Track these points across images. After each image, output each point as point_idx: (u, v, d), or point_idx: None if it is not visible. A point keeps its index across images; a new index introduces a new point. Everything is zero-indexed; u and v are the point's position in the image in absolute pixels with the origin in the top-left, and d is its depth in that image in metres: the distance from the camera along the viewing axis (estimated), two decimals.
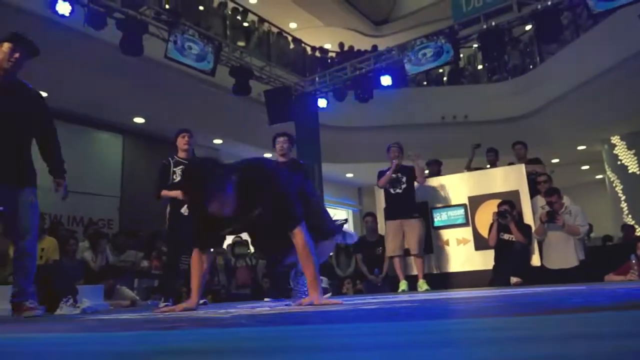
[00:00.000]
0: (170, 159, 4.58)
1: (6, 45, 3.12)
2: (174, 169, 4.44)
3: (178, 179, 4.26)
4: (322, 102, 9.10)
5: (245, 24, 9.93)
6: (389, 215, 5.82)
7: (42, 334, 1.65)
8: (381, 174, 5.91)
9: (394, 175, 5.79)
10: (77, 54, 6.75)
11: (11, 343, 1.37)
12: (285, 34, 10.87)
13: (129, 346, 1.11)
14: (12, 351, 1.12)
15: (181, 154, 4.64)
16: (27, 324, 2.46)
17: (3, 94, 3.14)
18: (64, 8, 5.61)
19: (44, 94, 3.49)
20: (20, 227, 3.20)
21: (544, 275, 5.28)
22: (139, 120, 8.86)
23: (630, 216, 10.90)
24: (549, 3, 6.76)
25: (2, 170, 3.14)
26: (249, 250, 8.39)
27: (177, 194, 3.93)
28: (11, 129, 3.18)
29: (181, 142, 4.67)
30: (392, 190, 5.78)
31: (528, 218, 5.62)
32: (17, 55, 3.14)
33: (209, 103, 8.74)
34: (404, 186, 5.74)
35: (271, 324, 1.58)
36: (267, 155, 12.00)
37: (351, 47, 11.84)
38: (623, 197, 11.28)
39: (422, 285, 5.51)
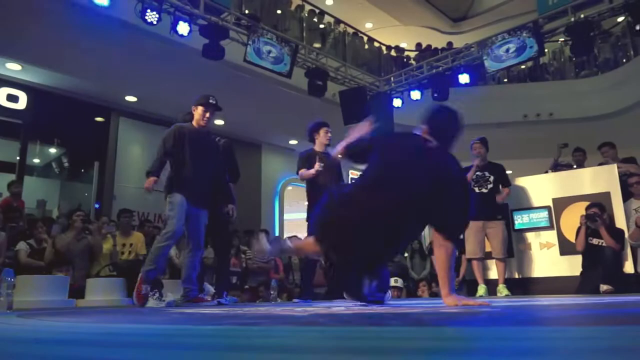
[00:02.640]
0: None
1: (200, 109, 4.21)
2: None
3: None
4: (397, 102, 9.03)
5: (321, 26, 10.04)
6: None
7: (134, 325, 1.77)
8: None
9: (479, 173, 5.54)
10: (162, 59, 7.14)
11: (108, 331, 1.49)
12: (360, 34, 10.87)
13: (212, 339, 1.17)
14: (109, 340, 1.21)
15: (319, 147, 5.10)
16: (118, 315, 2.64)
17: (196, 136, 4.21)
18: (151, 16, 5.98)
19: (134, 99, 3.92)
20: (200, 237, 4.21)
21: (638, 283, 4.90)
22: (218, 122, 9.23)
23: None
24: None
25: (194, 192, 4.09)
26: None
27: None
28: (203, 161, 4.22)
29: (324, 137, 5.15)
30: (476, 189, 5.46)
31: (620, 222, 5.24)
32: (207, 115, 4.24)
33: (285, 104, 8.92)
34: (490, 186, 5.45)
35: (348, 323, 1.60)
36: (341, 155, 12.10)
37: (428, 46, 11.62)
38: None
39: (502, 290, 5.30)
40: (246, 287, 6.72)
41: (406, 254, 8.78)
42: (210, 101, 4.24)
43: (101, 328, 1.64)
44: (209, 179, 4.21)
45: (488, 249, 5.55)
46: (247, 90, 8.30)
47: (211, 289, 4.74)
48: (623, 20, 8.98)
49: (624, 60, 10.34)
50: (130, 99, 8.43)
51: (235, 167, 4.67)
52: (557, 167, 6.37)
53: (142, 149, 8.75)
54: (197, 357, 0.82)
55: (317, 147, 5.16)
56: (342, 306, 2.89)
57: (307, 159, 5.01)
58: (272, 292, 5.45)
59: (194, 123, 4.26)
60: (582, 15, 6.87)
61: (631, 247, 5.12)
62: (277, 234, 10.17)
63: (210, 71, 7.21)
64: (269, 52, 7.14)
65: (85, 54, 6.77)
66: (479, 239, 5.43)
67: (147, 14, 5.94)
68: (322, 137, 5.16)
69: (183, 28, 6.25)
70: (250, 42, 6.91)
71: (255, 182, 10.50)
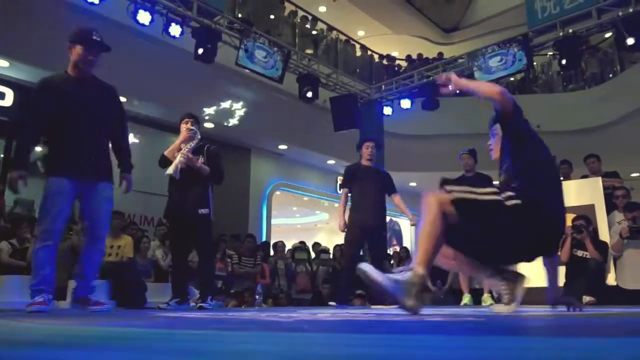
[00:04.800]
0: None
1: (78, 48, 3.20)
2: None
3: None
4: (387, 110, 9.08)
5: (314, 32, 10.08)
6: None
7: (115, 328, 1.75)
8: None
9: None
10: (153, 60, 7.12)
11: (83, 335, 1.47)
12: (352, 42, 10.93)
13: (194, 344, 1.16)
14: (86, 342, 1.20)
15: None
16: (99, 318, 2.61)
17: (80, 88, 3.25)
18: (144, 17, 5.97)
19: (123, 99, 3.69)
20: (101, 222, 3.31)
21: (619, 295, 4.96)
22: (208, 125, 9.20)
23: None
24: (631, 10, 6.40)
25: (85, 164, 3.20)
26: (308, 256, 8.47)
27: None
28: (92, 121, 3.27)
29: (365, 152, 5.26)
30: None
31: (604, 234, 5.30)
32: (90, 57, 3.24)
33: (276, 109, 8.93)
34: None
35: (333, 330, 1.60)
36: (331, 162, 12.15)
37: (419, 55, 11.71)
38: None
39: (487, 299, 5.33)
40: (232, 291, 6.67)
41: (392, 262, 8.82)
42: (94, 37, 3.23)
43: (80, 330, 1.62)
44: (100, 143, 3.34)
45: None
46: (237, 94, 8.30)
47: (196, 293, 4.70)
48: (610, 36, 9.13)
49: (610, 75, 10.52)
50: (124, 99, 8.38)
51: (217, 170, 4.33)
52: None
53: (131, 149, 8.68)
54: None
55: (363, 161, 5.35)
56: (328, 313, 2.88)
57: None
58: (257, 297, 5.43)
59: (69, 70, 3.28)
60: (570, 30, 6.97)
61: (613, 259, 5.19)
62: (264, 239, 10.13)
63: (201, 73, 7.21)
64: (261, 56, 7.15)
65: None
66: None
67: (139, 14, 5.93)
68: (364, 152, 5.32)
69: (175, 30, 6.25)
70: (242, 46, 6.92)
71: (243, 186, 10.46)
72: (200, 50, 6.47)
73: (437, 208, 2.21)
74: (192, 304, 4.23)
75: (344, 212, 5.20)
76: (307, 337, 1.30)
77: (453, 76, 2.59)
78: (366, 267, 2.23)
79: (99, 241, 3.30)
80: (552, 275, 2.65)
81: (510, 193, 2.29)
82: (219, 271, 6.69)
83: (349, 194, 5.18)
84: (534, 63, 8.53)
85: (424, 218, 2.22)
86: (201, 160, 4.24)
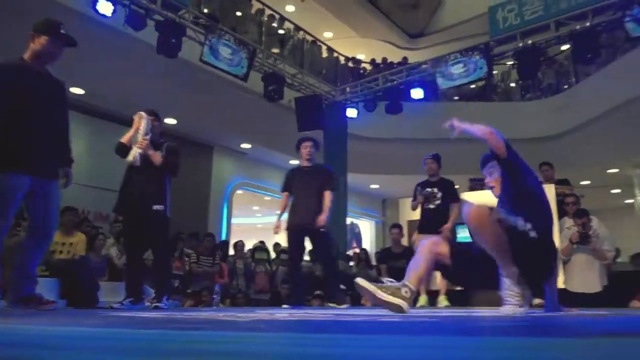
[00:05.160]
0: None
1: (43, 38, 3.07)
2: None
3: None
4: (351, 112, 9.14)
5: (281, 32, 10.04)
6: (421, 229, 5.72)
7: (66, 328, 1.70)
8: (418, 186, 5.77)
9: (429, 190, 5.68)
10: (114, 52, 6.93)
11: (35, 335, 1.42)
12: (319, 43, 10.96)
13: (148, 344, 1.13)
14: (34, 343, 1.16)
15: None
16: (53, 317, 2.53)
17: (38, 79, 3.13)
18: (105, 8, 5.80)
19: (82, 91, 3.57)
20: (53, 221, 3.22)
21: (566, 298, 5.16)
22: (170, 121, 9.02)
23: None
24: (588, 24, 6.67)
25: (43, 162, 3.09)
26: (268, 256, 8.43)
27: None
28: (48, 116, 3.15)
29: (303, 152, 5.17)
30: (426, 205, 5.65)
31: (555, 239, 5.50)
32: (54, 50, 3.13)
33: (240, 107, 8.85)
34: (437, 202, 5.59)
35: (290, 330, 1.59)
36: (294, 162, 12.12)
37: (384, 59, 11.84)
38: None
39: (443, 300, 5.44)
40: (189, 291, 6.57)
41: (352, 263, 8.88)
42: (62, 31, 3.14)
43: (28, 330, 1.56)
44: (54, 139, 3.22)
45: None
46: (201, 90, 8.17)
47: (151, 292, 4.60)
48: (567, 49, 9.48)
49: (566, 87, 10.94)
50: (77, 91, 8.12)
51: (172, 163, 4.16)
52: (473, 182, 6.58)
53: (87, 144, 8.44)
54: None
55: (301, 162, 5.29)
56: (285, 313, 2.88)
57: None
58: (215, 297, 5.36)
59: (27, 57, 3.12)
60: (529, 42, 7.21)
61: (563, 263, 5.39)
62: (223, 238, 10.02)
63: (165, 68, 7.06)
64: (226, 53, 7.06)
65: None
66: None
67: (100, 3, 5.76)
68: (302, 152, 5.24)
69: (105, 7, 5.78)
70: (207, 42, 6.82)
71: (204, 184, 10.32)
72: (164, 44, 6.34)
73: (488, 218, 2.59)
74: (147, 303, 4.12)
75: (280, 215, 5.15)
76: (265, 337, 1.30)
77: (455, 122, 2.99)
78: (359, 280, 2.54)
79: (48, 240, 3.23)
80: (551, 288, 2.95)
81: (529, 225, 2.60)
82: (176, 270, 6.57)
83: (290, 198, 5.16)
84: (494, 72, 8.77)
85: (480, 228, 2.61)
86: (160, 155, 4.12)
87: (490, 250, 2.63)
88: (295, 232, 4.99)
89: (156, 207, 4.00)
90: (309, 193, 4.98)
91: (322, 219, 4.87)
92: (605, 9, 6.72)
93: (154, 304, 3.96)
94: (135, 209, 4.03)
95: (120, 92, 7.98)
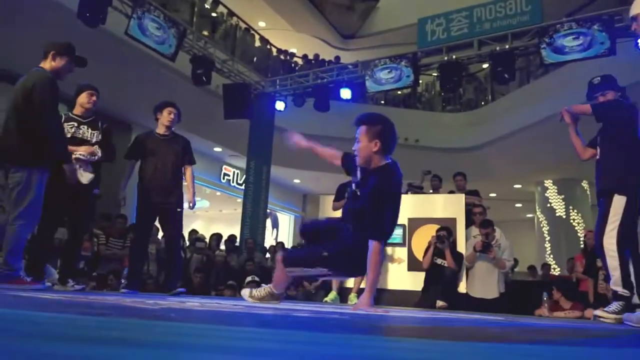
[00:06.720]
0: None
1: (64, 59, 3.58)
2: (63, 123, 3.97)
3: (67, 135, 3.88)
4: (280, 105, 9.12)
5: (214, 15, 9.80)
6: None
7: None
8: (341, 187, 5.63)
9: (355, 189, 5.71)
10: (33, 18, 6.42)
11: None
12: (252, 32, 10.81)
13: (49, 327, 1.08)
14: None
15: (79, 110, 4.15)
16: None
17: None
18: None
19: None
20: None
21: (467, 302, 5.50)
22: None
23: (552, 256, 11.57)
24: (507, 46, 7.14)
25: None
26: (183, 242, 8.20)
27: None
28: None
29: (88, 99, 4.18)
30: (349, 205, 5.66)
31: (461, 246, 5.84)
32: (70, 70, 3.66)
33: (164, 88, 8.53)
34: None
35: (202, 321, 1.58)
36: (217, 149, 11.88)
37: (316, 55, 11.92)
38: (548, 238, 11.98)
39: (353, 298, 5.59)
40: (94, 274, 6.25)
41: (268, 255, 8.87)
42: (76, 54, 3.67)
43: None
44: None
45: None
46: (124, 65, 7.78)
47: (53, 273, 4.33)
48: (487, 68, 10.08)
49: (483, 103, 11.63)
50: None
51: (111, 150, 4.19)
52: (411, 188, 6.85)
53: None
54: (28, 345, 0.75)
55: (159, 129, 4.71)
56: (196, 302, 2.83)
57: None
58: (123, 282, 5.13)
59: (48, 68, 3.53)
60: (454, 57, 7.59)
61: (466, 269, 5.74)
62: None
63: (86, 37, 6.63)
64: (154, 30, 6.78)
65: None
66: None
67: None
68: (164, 117, 4.69)
69: None
70: (134, 16, 6.51)
71: (119, 163, 9.83)
72: (86, 11, 5.96)
73: None
74: (48, 284, 3.88)
75: (125, 185, 4.59)
76: (177, 326, 1.27)
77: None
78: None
79: None
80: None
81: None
82: (84, 251, 6.23)
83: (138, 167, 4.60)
84: (420, 81, 9.13)
85: None
86: (97, 136, 4.06)
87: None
88: (150, 209, 4.44)
89: (96, 191, 4.05)
90: (167, 166, 4.45)
91: (191, 199, 4.57)
92: (524, 34, 7.23)
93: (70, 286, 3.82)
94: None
95: (25, 54, 7.40)
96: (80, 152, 3.83)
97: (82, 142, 3.96)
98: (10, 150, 3.36)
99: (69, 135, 3.89)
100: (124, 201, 4.52)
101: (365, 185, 2.85)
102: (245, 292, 3.20)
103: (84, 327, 1.12)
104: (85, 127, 4.05)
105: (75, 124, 4.01)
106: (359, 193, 2.85)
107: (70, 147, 3.76)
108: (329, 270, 2.85)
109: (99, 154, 3.99)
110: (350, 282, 5.90)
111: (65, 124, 3.95)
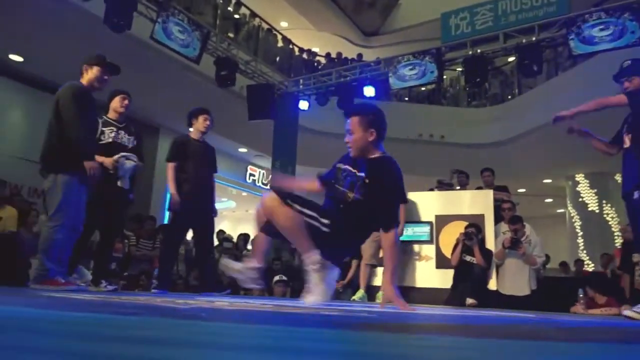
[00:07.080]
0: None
1: (96, 69, 3.72)
2: (103, 129, 4.11)
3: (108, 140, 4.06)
4: (303, 104, 9.12)
5: (237, 16, 9.87)
6: None
7: None
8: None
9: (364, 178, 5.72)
10: (59, 22, 6.59)
11: None
12: (275, 32, 10.86)
13: (83, 327, 1.10)
14: None
15: (113, 115, 4.27)
16: None
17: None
18: None
19: (20, 59, 3.38)
20: None
21: (497, 299, 5.42)
22: None
23: (585, 252, 11.30)
24: (534, 39, 6.98)
25: None
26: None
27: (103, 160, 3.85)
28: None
29: (121, 102, 4.29)
30: None
31: (490, 243, 5.75)
32: (105, 77, 3.76)
33: (190, 90, 8.64)
34: None
35: (233, 320, 1.59)
36: (242, 150, 11.98)
37: (339, 54, 11.90)
38: (580, 233, 11.70)
39: (381, 297, 5.56)
40: (125, 274, 6.38)
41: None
42: (108, 61, 3.80)
43: None
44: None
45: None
46: (150, 69, 7.91)
47: (87, 274, 4.43)
48: (513, 61, 9.89)
49: (509, 97, 11.41)
50: (15, 58, 7.66)
51: (142, 154, 4.38)
52: (441, 185, 6.79)
53: (23, 113, 7.98)
54: (64, 345, 0.77)
55: (194, 134, 4.88)
56: (225, 302, 2.85)
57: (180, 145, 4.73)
58: (153, 282, 5.23)
59: (85, 82, 3.72)
60: (478, 50, 7.46)
61: (496, 266, 5.65)
62: (166, 222, 9.77)
63: (112, 41, 6.77)
64: (179, 33, 6.87)
65: None
66: (374, 246, 5.59)
67: None
68: (200, 123, 4.85)
69: None
70: (159, 20, 6.60)
71: (148, 166, 10.00)
72: (112, 17, 6.07)
73: None
74: (82, 284, 3.96)
75: (175, 188, 4.57)
76: (208, 326, 1.28)
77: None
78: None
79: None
80: None
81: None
82: (116, 252, 6.37)
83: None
84: (444, 77, 9.02)
85: None
86: (132, 141, 4.22)
87: (287, 236, 2.69)
88: (187, 216, 4.52)
89: (131, 195, 4.18)
90: (204, 172, 4.64)
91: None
92: (551, 25, 7.06)
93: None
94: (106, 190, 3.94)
95: (61, 62, 7.59)
96: (106, 164, 3.88)
97: (121, 147, 4.07)
98: (42, 159, 3.56)
99: (110, 141, 4.02)
100: (178, 205, 4.51)
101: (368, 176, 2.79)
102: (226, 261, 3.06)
103: (117, 327, 1.13)
104: (122, 132, 4.16)
105: (115, 129, 4.13)
106: (367, 181, 2.78)
107: (98, 158, 3.76)
108: (328, 229, 2.67)
109: (135, 160, 4.07)
110: (378, 281, 5.87)
111: (105, 129, 4.08)
